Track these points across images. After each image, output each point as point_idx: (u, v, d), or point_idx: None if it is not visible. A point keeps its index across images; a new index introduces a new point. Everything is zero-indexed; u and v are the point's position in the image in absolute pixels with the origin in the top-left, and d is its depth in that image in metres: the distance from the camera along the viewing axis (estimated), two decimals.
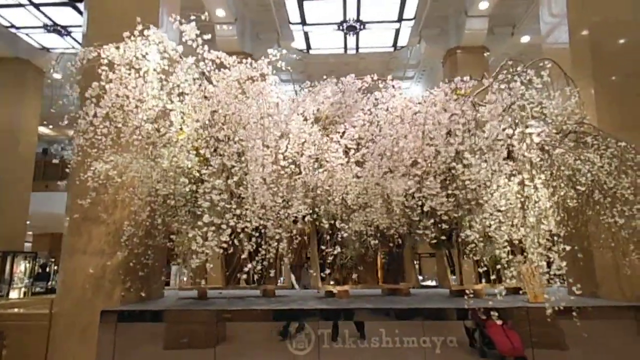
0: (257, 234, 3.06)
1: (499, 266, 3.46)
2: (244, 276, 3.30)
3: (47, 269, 9.81)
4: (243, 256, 2.87)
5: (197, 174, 3.00)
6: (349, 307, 3.12)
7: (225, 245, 2.79)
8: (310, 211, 3.23)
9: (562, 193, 2.82)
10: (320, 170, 3.02)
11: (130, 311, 3.10)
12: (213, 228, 2.71)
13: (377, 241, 3.25)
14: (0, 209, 8.81)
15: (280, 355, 2.93)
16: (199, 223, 2.72)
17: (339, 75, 3.54)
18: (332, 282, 4.14)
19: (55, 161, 9.73)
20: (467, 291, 3.03)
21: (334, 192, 3.11)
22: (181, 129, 2.96)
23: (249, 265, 3.04)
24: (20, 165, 9.54)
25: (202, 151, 2.95)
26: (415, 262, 5.20)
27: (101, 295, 3.57)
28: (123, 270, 3.58)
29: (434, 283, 8.64)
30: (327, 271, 3.77)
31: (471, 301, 2.94)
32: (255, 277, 3.96)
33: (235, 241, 2.91)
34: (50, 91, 11.56)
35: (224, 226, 2.73)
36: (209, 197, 2.74)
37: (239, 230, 2.81)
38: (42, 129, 14.17)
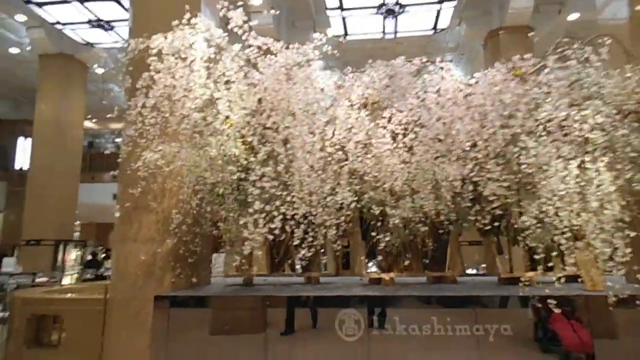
0: (305, 221, 3.06)
1: (553, 253, 3.33)
2: (295, 262, 3.34)
3: (97, 257, 10.31)
4: (295, 243, 2.86)
5: (244, 162, 3.01)
6: (399, 294, 3.08)
7: (277, 232, 2.80)
8: (356, 198, 3.19)
9: (627, 176, 2.65)
10: (368, 156, 2.96)
11: (182, 297, 3.18)
12: (263, 215, 2.71)
13: (426, 228, 3.17)
14: (52, 200, 9.26)
15: (329, 341, 2.93)
16: (250, 210, 2.73)
17: (376, 60, 3.45)
18: (377, 270, 4.12)
19: (107, 152, 10.05)
20: (521, 278, 2.93)
21: (382, 178, 3.05)
22: (228, 117, 2.97)
23: (302, 252, 3.05)
24: (68, 158, 9.98)
25: (249, 139, 2.95)
26: None
27: (153, 282, 3.68)
28: (173, 257, 3.67)
29: (474, 271, 8.47)
30: (379, 258, 3.73)
31: (526, 289, 2.84)
32: (301, 264, 4.01)
33: (286, 228, 2.92)
34: (94, 86, 11.98)
35: (275, 213, 2.74)
36: (259, 184, 2.75)
37: (288, 217, 2.81)
38: (87, 123, 14.75)
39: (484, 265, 7.94)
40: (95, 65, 11.16)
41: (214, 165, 3.07)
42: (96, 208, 13.91)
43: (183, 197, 3.61)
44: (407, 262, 3.70)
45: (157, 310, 3.14)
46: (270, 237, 2.86)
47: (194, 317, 3.15)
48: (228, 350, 3.01)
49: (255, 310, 3.08)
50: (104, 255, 12.29)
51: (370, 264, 4.35)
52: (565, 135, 2.50)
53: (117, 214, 3.93)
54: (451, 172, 2.66)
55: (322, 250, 3.74)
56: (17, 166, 16.67)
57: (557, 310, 2.57)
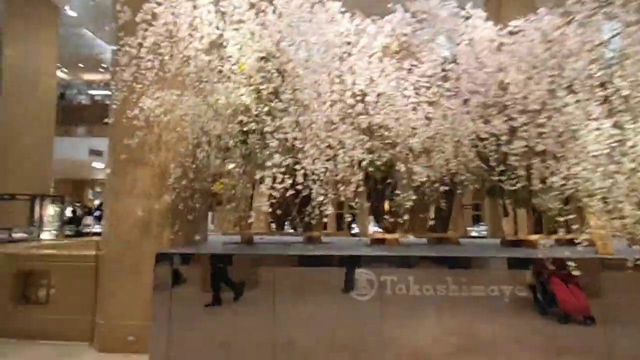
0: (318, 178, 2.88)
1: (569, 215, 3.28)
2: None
3: (76, 213, 9.91)
4: (320, 199, 2.66)
5: (256, 112, 2.78)
6: (412, 254, 2.99)
7: (300, 188, 2.62)
8: (369, 156, 3.02)
9: None
10: (388, 109, 2.77)
11: (186, 254, 3.00)
12: (282, 169, 2.52)
13: (445, 187, 3.04)
14: (25, 153, 8.73)
15: (341, 301, 2.84)
16: (268, 163, 2.53)
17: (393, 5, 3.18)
18: (380, 230, 4.03)
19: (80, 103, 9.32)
20: (541, 242, 2.89)
21: (402, 134, 2.87)
22: (237, 62, 2.70)
23: (311, 210, 2.90)
24: (42, 108, 9.34)
25: (262, 87, 2.70)
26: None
27: (150, 238, 3.49)
28: (171, 213, 3.47)
29: (474, 234, 8.56)
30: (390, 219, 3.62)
31: (546, 250, 2.80)
32: (303, 223, 3.87)
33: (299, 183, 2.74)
34: (64, 31, 11.11)
35: (297, 166, 2.54)
36: (279, 135, 2.53)
37: (308, 171, 2.62)
38: (57, 73, 13.88)
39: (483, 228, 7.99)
40: (67, 7, 10.26)
41: (221, 115, 2.82)
42: (71, 163, 13.31)
43: (183, 150, 3.37)
44: (431, 223, 3.62)
45: (159, 267, 2.96)
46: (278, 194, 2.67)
47: (197, 275, 3.00)
48: (234, 309, 2.89)
49: (263, 268, 2.95)
50: (82, 212, 11.88)
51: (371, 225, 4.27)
52: (604, 91, 2.37)
53: (108, 169, 3.66)
54: (480, 128, 2.49)
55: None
56: None
57: (574, 273, 2.53)
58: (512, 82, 2.37)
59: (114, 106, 3.29)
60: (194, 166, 3.43)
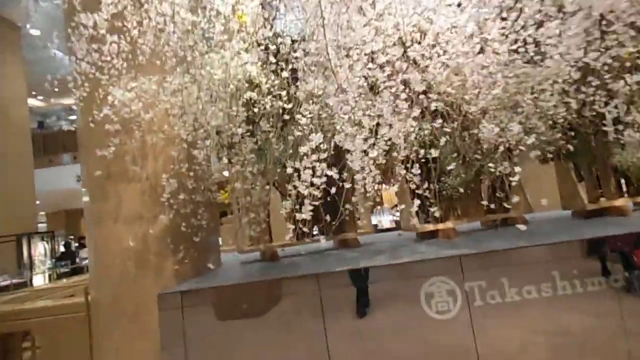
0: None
1: None
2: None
3: (70, 247, 9.15)
4: (360, 192, 1.95)
5: (267, 86, 2.02)
6: (498, 247, 2.25)
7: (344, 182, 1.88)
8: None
9: None
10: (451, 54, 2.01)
11: (197, 290, 2.25)
12: (324, 155, 1.76)
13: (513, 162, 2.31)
14: (4, 190, 7.94)
15: (415, 321, 2.11)
16: (302, 150, 1.76)
17: None
18: (428, 221, 3.29)
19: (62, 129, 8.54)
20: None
21: (458, 94, 2.13)
22: (232, 15, 1.94)
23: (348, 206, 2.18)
24: (15, 140, 8.54)
25: (271, 46, 1.95)
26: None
27: (149, 272, 2.73)
28: (171, 237, 2.72)
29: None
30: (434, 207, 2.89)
31: None
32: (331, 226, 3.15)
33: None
34: (33, 55, 10.30)
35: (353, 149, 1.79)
36: (312, 107, 1.78)
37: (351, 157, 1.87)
38: (32, 101, 13.04)
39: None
40: (28, 26, 9.41)
41: (219, 96, 2.06)
42: (60, 194, 12.52)
43: (176, 155, 2.62)
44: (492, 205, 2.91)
45: (164, 315, 2.22)
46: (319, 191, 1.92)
47: (219, 319, 2.25)
48: (276, 342, 2.15)
49: (306, 293, 2.21)
50: (77, 244, 11.08)
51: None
52: None
53: (85, 191, 2.90)
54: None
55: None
56: None
57: None
58: None
59: (76, 108, 2.52)
60: (191, 174, 2.69)
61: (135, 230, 2.73)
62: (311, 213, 1.77)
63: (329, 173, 1.75)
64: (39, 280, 6.85)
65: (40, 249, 7.46)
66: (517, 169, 1.99)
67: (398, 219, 7.75)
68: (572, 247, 2.18)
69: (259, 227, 2.50)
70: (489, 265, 2.16)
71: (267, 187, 2.38)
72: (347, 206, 2.48)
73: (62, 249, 8.62)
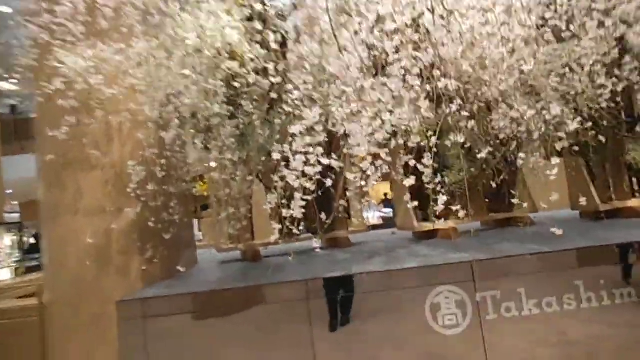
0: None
1: None
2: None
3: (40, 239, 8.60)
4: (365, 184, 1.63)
5: (250, 57, 1.69)
6: (509, 253, 1.97)
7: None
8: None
9: None
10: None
11: (165, 296, 1.92)
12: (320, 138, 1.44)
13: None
14: None
15: (418, 337, 1.82)
16: (294, 128, 1.44)
17: None
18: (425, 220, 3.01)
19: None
20: None
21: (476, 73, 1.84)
22: None
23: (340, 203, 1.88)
24: None
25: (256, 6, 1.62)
26: None
27: (112, 273, 2.38)
28: (138, 233, 2.38)
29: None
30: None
31: None
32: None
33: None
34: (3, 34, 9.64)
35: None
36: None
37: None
38: (4, 84, 12.34)
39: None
40: None
41: (192, 68, 1.72)
42: (32, 182, 11.90)
43: (144, 138, 2.28)
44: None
45: (125, 322, 1.88)
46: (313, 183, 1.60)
47: (184, 325, 1.92)
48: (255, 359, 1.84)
49: (288, 302, 1.90)
50: None
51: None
52: None
53: (39, 178, 2.54)
54: None
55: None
56: None
57: None
58: None
59: (23, 79, 2.16)
60: (163, 161, 2.34)
61: (96, 224, 2.37)
62: (303, 210, 1.46)
63: (325, 162, 1.43)
64: (5, 274, 6.41)
65: (6, 241, 7.00)
66: (555, 160, 1.71)
67: (386, 215, 7.47)
68: (598, 253, 1.91)
69: (239, 223, 2.17)
70: (504, 272, 1.88)
71: (250, 178, 2.04)
72: (342, 202, 2.19)
73: (32, 240, 8.15)
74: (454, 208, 3.02)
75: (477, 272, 1.86)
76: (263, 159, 2.02)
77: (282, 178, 1.67)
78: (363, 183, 2.20)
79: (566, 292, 1.83)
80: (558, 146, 1.82)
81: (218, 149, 2.03)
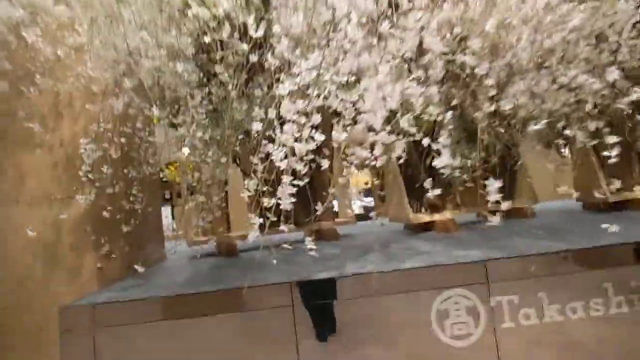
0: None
1: None
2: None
3: None
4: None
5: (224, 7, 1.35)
6: (527, 251, 1.70)
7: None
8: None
9: None
10: None
11: (116, 303, 1.59)
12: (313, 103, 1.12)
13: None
14: None
15: (426, 347, 1.55)
16: (283, 87, 1.12)
17: None
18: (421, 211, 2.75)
19: None
20: None
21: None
22: None
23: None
24: None
25: None
26: None
27: (60, 272, 2.02)
28: (92, 224, 2.03)
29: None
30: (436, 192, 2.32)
31: None
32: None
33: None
34: None
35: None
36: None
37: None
38: None
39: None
40: None
41: (151, 13, 1.38)
42: None
43: (98, 111, 1.92)
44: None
45: (67, 336, 1.55)
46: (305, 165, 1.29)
47: (144, 338, 1.59)
48: None
49: (269, 309, 1.59)
50: None
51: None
52: None
53: None
54: None
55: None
56: None
57: None
58: None
59: None
60: (122, 139, 1.99)
61: (42, 215, 2.00)
62: (292, 199, 1.15)
63: (320, 138, 1.12)
64: None
65: None
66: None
67: (368, 204, 7.21)
68: (628, 252, 1.66)
69: (211, 214, 1.85)
70: (522, 274, 1.61)
71: (224, 160, 1.71)
72: (332, 190, 1.89)
73: None
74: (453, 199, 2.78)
75: (491, 274, 1.59)
76: (240, 137, 1.69)
77: (265, 158, 1.35)
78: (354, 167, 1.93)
79: (593, 296, 1.58)
80: (591, 126, 1.56)
81: (186, 126, 1.69)
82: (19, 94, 1.82)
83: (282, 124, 1.11)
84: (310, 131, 1.11)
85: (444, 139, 1.42)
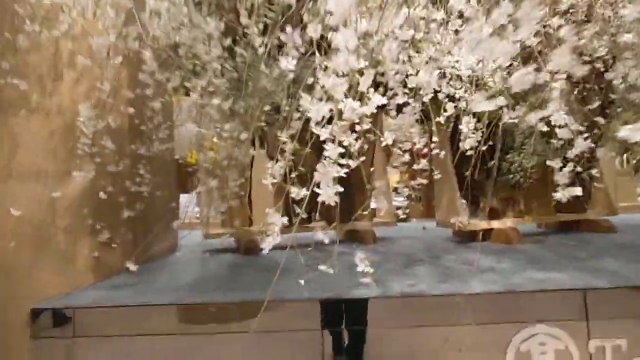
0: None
1: None
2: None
3: None
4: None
5: None
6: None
7: None
8: None
9: None
10: None
11: (99, 308, 1.27)
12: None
13: None
14: None
15: None
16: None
17: None
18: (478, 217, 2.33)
19: None
20: None
21: None
22: None
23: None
24: None
25: None
26: None
27: (53, 259, 1.73)
28: (90, 206, 1.73)
29: None
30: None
31: None
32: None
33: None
34: None
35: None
36: None
37: None
38: None
39: None
40: None
41: None
42: None
43: (104, 75, 1.61)
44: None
45: (38, 342, 1.24)
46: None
47: (132, 354, 1.27)
48: None
49: (292, 331, 1.24)
50: None
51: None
52: None
53: None
54: None
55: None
56: None
57: None
58: None
59: None
60: (130, 109, 1.68)
61: (32, 192, 1.71)
62: (338, 194, 0.78)
63: (382, 101, 0.74)
64: None
65: None
66: None
67: (402, 205, 6.77)
68: None
69: (226, 202, 1.51)
70: (629, 309, 1.20)
71: (244, 136, 1.36)
72: (377, 183, 1.52)
73: None
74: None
75: (590, 307, 1.18)
76: (266, 109, 1.34)
77: (295, 137, 0.99)
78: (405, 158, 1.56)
79: None
80: None
81: (202, 93, 1.35)
82: (13, 49, 1.52)
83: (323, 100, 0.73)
84: (367, 91, 0.74)
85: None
